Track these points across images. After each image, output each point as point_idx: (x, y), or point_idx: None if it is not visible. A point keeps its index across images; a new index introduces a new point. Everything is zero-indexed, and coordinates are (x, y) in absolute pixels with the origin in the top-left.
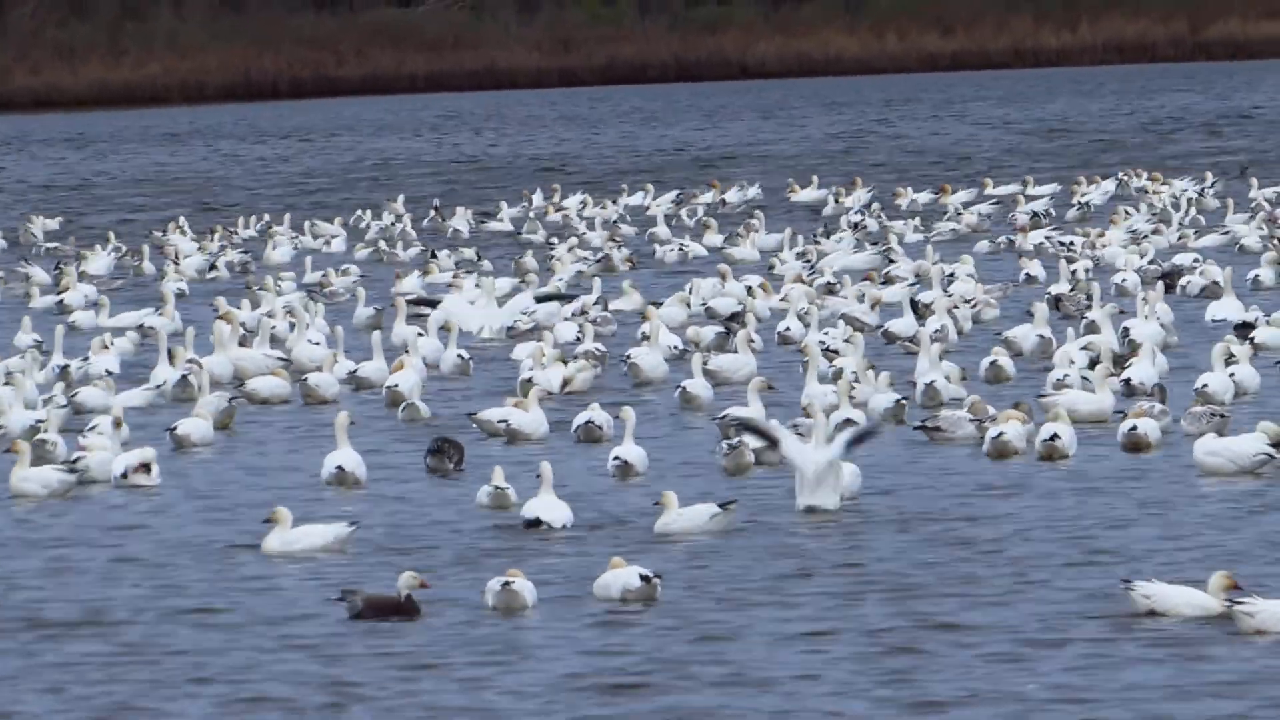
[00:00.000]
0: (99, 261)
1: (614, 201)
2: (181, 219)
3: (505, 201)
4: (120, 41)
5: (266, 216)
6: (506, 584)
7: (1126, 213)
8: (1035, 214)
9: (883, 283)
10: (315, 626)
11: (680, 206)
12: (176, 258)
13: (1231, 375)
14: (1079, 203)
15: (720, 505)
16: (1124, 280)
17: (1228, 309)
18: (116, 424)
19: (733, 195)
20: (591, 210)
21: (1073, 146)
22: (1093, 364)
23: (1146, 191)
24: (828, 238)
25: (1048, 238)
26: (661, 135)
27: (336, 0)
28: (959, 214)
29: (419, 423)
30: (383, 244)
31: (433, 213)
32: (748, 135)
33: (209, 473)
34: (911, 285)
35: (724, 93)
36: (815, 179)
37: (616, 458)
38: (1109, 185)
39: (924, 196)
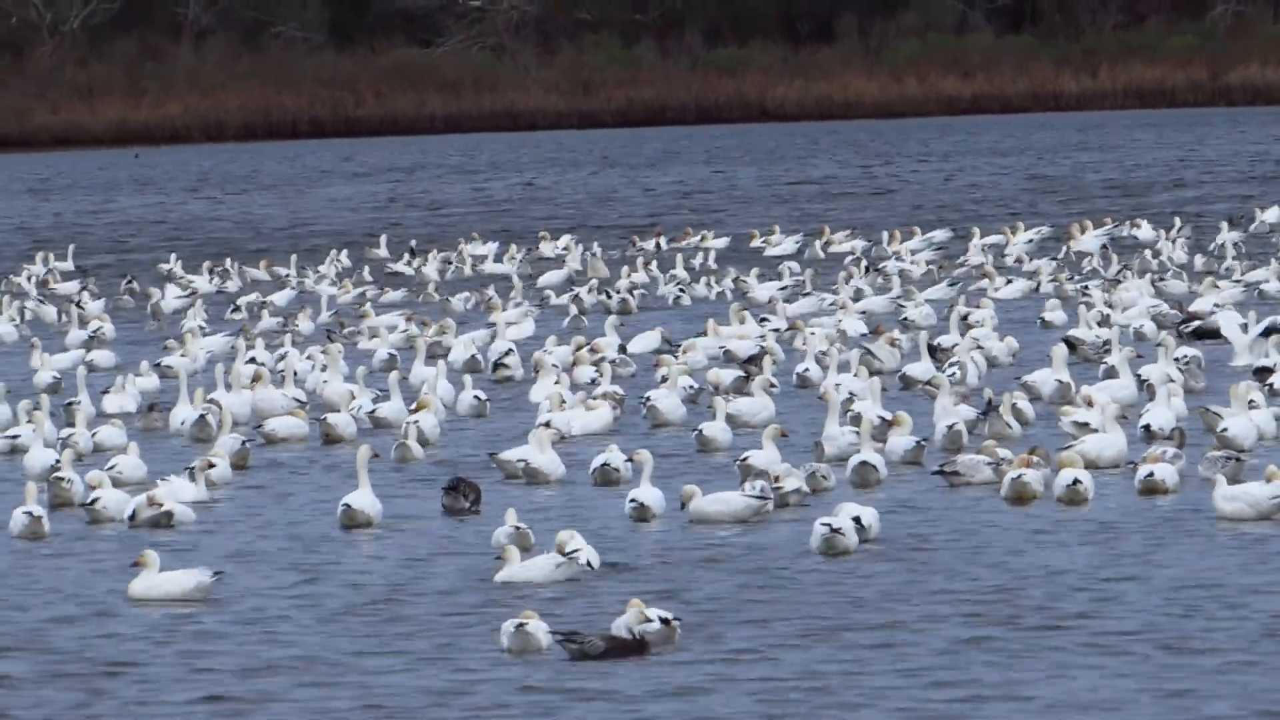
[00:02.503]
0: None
1: (531, 249)
2: (174, 258)
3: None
4: (140, 81)
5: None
6: (520, 625)
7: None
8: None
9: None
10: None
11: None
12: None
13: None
14: (1007, 254)
15: (564, 554)
16: (1142, 325)
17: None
18: (209, 466)
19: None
20: (510, 256)
21: (1063, 193)
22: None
23: (1069, 240)
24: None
25: (1080, 283)
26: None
27: (356, 40)
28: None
29: (411, 463)
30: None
31: (408, 255)
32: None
33: (222, 513)
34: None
35: (736, 134)
36: (776, 228)
37: (634, 500)
38: (1032, 234)
39: (860, 243)
